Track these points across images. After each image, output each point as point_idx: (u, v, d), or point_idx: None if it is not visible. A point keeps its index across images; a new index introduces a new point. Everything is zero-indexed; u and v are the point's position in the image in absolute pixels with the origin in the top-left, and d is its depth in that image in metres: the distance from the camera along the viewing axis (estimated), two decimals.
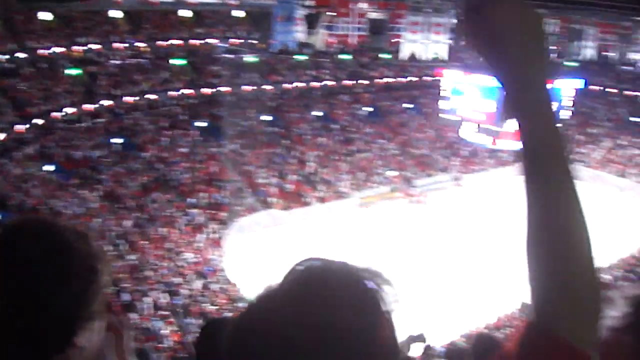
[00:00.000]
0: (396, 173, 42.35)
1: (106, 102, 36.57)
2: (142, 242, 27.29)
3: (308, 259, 0.95)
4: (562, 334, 0.88)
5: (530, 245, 0.96)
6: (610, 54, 51.71)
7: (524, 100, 1.03)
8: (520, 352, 0.93)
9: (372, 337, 0.85)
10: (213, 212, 32.49)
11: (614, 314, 1.00)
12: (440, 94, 34.45)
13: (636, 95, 51.27)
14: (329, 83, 46.45)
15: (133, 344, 1.55)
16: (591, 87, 48.35)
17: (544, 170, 1.00)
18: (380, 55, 48.14)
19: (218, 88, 40.05)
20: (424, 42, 38.31)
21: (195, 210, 32.01)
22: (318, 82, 45.85)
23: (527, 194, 1.01)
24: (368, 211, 38.07)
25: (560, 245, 0.94)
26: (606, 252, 31.68)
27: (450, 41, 42.36)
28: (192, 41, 40.72)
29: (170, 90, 38.92)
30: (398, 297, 0.95)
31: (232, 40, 43.10)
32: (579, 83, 33.96)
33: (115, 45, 39.02)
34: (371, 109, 47.61)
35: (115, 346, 1.42)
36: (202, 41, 41.37)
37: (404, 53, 38.63)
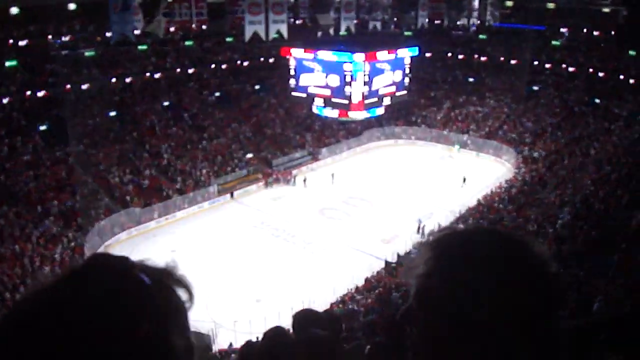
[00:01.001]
0: (252, 155, 42.78)
1: None
2: None
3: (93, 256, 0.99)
4: None
5: None
6: (442, 21, 54.97)
7: None
8: None
9: (130, 333, 0.86)
10: (67, 219, 31.11)
11: (420, 261, 1.07)
12: (289, 73, 35.35)
13: (468, 58, 55.03)
14: (175, 71, 45.53)
15: None
16: (427, 53, 51.39)
17: None
18: (224, 39, 47.87)
19: (57, 87, 37.95)
20: (264, 23, 38.54)
21: (47, 221, 30.44)
22: (163, 71, 44.78)
23: None
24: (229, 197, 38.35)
25: None
26: (458, 201, 34.41)
27: (290, 20, 42.85)
28: (23, 40, 38.13)
29: (4, 94, 36.31)
30: (187, 295, 1.03)
31: (67, 36, 40.93)
32: (415, 50, 36.22)
33: None
34: (220, 94, 47.38)
35: None
36: (35, 39, 38.87)
37: (247, 35, 38.63)
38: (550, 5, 41.52)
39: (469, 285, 0.99)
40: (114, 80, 41.52)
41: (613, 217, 22.07)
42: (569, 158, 38.19)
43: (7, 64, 36.33)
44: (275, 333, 1.42)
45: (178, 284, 1.03)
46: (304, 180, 40.57)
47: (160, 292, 0.97)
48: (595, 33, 49.19)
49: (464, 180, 38.73)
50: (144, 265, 1.01)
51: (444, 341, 1.01)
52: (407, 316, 1.10)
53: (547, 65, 49.81)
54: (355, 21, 42.30)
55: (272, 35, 39.78)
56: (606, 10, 41.09)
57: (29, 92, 37.06)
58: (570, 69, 48.16)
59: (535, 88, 49.53)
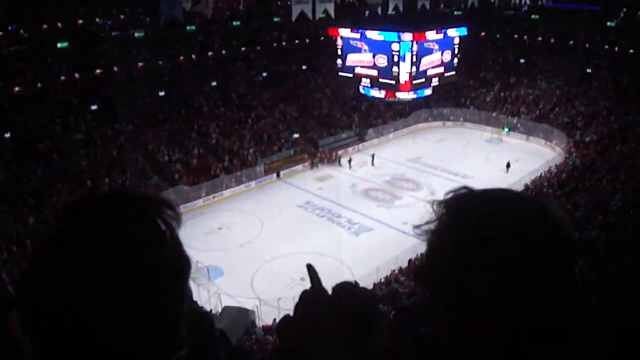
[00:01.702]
0: (298, 135, 42.91)
1: None
2: None
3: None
4: None
5: None
6: (493, 0, 53.65)
7: None
8: None
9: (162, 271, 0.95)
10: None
11: (433, 219, 1.07)
12: (336, 53, 35.20)
13: (520, 38, 53.82)
14: (222, 52, 45.84)
15: None
16: (478, 33, 50.43)
17: None
18: (271, 19, 47.87)
19: (107, 68, 38.72)
20: (311, 2, 38.33)
21: None
22: (211, 51, 45.16)
23: None
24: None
25: None
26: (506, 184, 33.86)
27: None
28: (74, 21, 38.91)
29: (57, 75, 37.24)
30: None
31: (117, 17, 41.58)
32: (464, 30, 35.57)
33: None
34: (267, 74, 47.54)
35: None
36: (85, 20, 39.63)
37: (294, 14, 38.53)
38: None
39: (481, 242, 0.97)
40: (162, 61, 42.06)
41: None
42: (622, 144, 37.05)
43: (59, 45, 37.13)
44: (312, 296, 1.41)
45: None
46: (349, 161, 40.51)
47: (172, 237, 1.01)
48: None
49: (508, 165, 37.95)
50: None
51: (455, 300, 1.00)
52: (421, 275, 1.09)
53: (602, 47, 48.28)
54: (402, 0, 41.62)
55: (319, 14, 39.59)
56: None
57: (80, 73, 37.92)
58: (626, 52, 46.54)
59: (589, 70, 48.09)
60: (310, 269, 1.41)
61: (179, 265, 1.00)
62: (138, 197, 1.02)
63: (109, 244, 0.91)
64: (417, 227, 1.09)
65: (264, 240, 29.42)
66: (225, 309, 19.66)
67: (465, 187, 1.09)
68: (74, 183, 31.95)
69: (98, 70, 38.55)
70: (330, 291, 1.35)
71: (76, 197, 1.01)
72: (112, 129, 36.82)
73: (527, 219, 1.00)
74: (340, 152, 42.14)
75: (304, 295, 1.36)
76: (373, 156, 41.32)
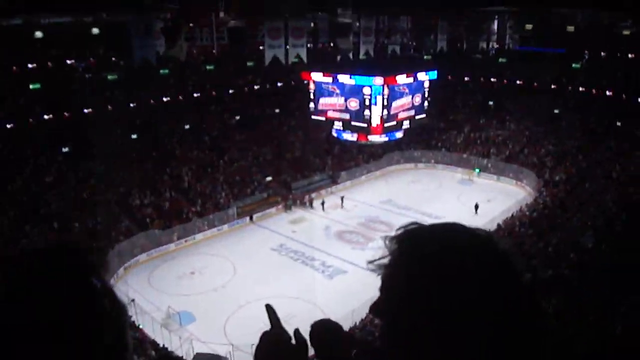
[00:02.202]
0: (271, 178, 42.91)
1: None
2: None
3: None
4: None
5: None
6: (462, 45, 54.99)
7: None
8: None
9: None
10: (88, 240, 31.33)
11: (386, 255, 1.11)
12: (309, 96, 35.55)
13: (488, 81, 54.97)
14: (196, 95, 46.01)
15: None
16: (447, 77, 51.46)
17: None
18: (244, 63, 48.32)
19: (80, 110, 38.55)
20: (284, 47, 38.88)
21: (71, 240, 30.66)
22: (184, 94, 45.28)
23: None
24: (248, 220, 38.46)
25: None
26: (478, 225, 34.07)
27: (309, 44, 43.28)
28: (47, 63, 38.86)
29: (29, 116, 36.97)
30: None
31: (90, 59, 41.66)
32: (434, 74, 36.27)
33: None
34: (241, 117, 47.73)
35: None
36: (58, 62, 39.62)
37: (267, 58, 38.95)
38: (571, 28, 41.37)
39: (430, 275, 0.99)
40: (135, 103, 42.03)
41: (637, 241, 21.75)
42: (590, 181, 37.76)
43: (31, 86, 36.98)
44: (271, 337, 1.41)
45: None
46: (322, 204, 40.56)
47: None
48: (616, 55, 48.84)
49: (477, 207, 38.04)
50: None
51: (407, 330, 1.02)
52: (376, 308, 1.11)
53: (568, 88, 49.55)
54: (373, 45, 42.46)
55: (292, 59, 40.09)
56: (626, 32, 40.86)
57: (52, 114, 37.69)
58: (591, 92, 47.83)
59: (556, 111, 49.23)
60: (269, 309, 1.44)
61: (116, 317, 1.01)
62: (66, 252, 1.01)
63: (38, 302, 0.89)
64: (370, 262, 1.13)
65: (237, 284, 29.08)
66: (197, 356, 19.13)
67: (415, 223, 1.12)
68: (44, 225, 31.42)
69: (70, 112, 38.31)
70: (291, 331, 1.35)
71: (7, 253, 1.00)
72: (83, 171, 36.42)
73: (473, 251, 1.02)
74: (313, 195, 42.17)
75: (264, 336, 1.37)
76: (342, 198, 41.50)
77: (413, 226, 1.12)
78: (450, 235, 1.07)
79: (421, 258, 1.03)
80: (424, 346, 0.99)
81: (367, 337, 20.78)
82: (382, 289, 1.11)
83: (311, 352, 1.59)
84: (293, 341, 1.47)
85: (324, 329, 3.00)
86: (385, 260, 1.10)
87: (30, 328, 0.86)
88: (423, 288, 1.00)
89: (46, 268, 0.96)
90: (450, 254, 1.01)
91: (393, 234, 1.12)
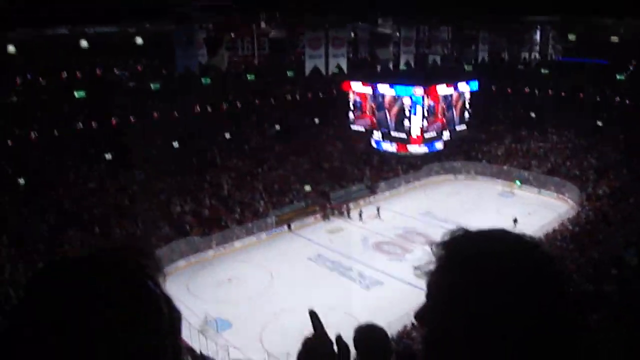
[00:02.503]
0: (310, 188, 43.01)
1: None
2: None
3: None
4: None
5: None
6: (503, 56, 54.36)
7: None
8: None
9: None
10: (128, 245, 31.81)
11: (432, 261, 1.10)
12: (349, 106, 35.60)
13: (530, 92, 54.22)
14: (237, 104, 46.49)
15: None
16: (488, 88, 50.96)
17: None
18: (285, 73, 48.61)
19: (123, 117, 39.34)
20: (324, 57, 38.99)
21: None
22: (225, 103, 45.79)
23: None
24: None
25: None
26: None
27: (349, 54, 43.33)
28: (92, 71, 39.78)
29: (73, 123, 37.86)
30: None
31: (134, 68, 42.47)
32: (475, 85, 35.94)
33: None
34: (280, 127, 48.05)
35: None
36: (103, 70, 40.52)
37: (307, 68, 39.12)
38: (615, 39, 40.50)
39: (476, 281, 0.99)
40: (177, 111, 42.69)
41: None
42: (635, 196, 36.85)
43: (76, 94, 37.84)
44: (314, 343, 1.41)
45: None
46: (360, 214, 40.44)
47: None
48: None
49: (515, 221, 36.37)
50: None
51: (452, 339, 1.02)
52: (421, 315, 1.11)
53: (612, 100, 48.53)
54: (413, 55, 42.23)
55: (332, 69, 40.19)
56: None
57: (95, 122, 38.52)
58: (636, 104, 46.73)
59: (599, 123, 48.26)
60: (313, 315, 1.42)
61: (171, 321, 1.00)
62: (119, 256, 1.00)
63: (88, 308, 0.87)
64: (417, 267, 1.13)
65: (274, 292, 29.17)
66: None
67: (462, 228, 1.12)
68: (85, 231, 32.09)
69: (113, 120, 39.12)
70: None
71: (47, 261, 0.99)
72: (125, 178, 37.13)
73: (518, 257, 1.02)
74: (351, 205, 42.10)
75: (307, 342, 1.37)
76: (378, 209, 41.34)
77: (460, 232, 1.11)
78: (496, 241, 1.07)
79: (467, 264, 1.03)
80: (468, 355, 0.99)
81: (404, 349, 20.58)
82: (427, 295, 1.11)
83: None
84: (335, 348, 1.47)
85: (369, 332, 3.05)
86: (432, 266, 1.10)
87: (93, 327, 0.86)
88: (465, 293, 1.00)
89: (109, 269, 0.95)
90: (494, 259, 1.02)
91: (440, 240, 1.12)
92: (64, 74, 38.29)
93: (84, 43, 36.08)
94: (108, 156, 37.97)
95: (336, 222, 40.39)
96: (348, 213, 41.14)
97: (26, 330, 0.85)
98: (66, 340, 0.84)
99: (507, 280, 0.98)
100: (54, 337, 0.84)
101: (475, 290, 0.99)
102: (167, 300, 1.01)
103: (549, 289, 1.00)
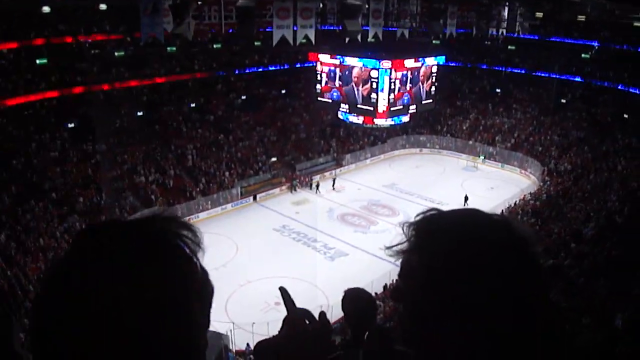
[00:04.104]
0: (276, 159, 42.94)
1: None
2: (20, 256, 26.10)
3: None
4: None
5: None
6: (471, 31, 54.49)
7: None
8: None
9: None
10: (93, 216, 31.50)
11: (404, 240, 1.10)
12: (316, 77, 35.34)
13: (496, 68, 54.62)
14: (202, 73, 45.86)
15: None
16: (455, 63, 51.22)
17: None
18: (252, 43, 47.98)
19: (86, 86, 38.47)
20: (292, 27, 38.58)
21: (72, 217, 30.88)
22: (191, 73, 45.14)
23: None
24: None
25: None
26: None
27: (317, 25, 42.94)
28: (54, 38, 38.68)
29: (35, 91, 36.90)
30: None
31: (97, 35, 41.46)
32: (442, 59, 36.05)
33: None
34: (246, 98, 47.64)
35: None
36: (66, 38, 39.45)
37: (275, 39, 38.67)
38: (581, 18, 40.93)
39: (449, 260, 1.01)
40: (142, 81, 41.92)
41: (638, 235, 21.73)
42: (595, 173, 37.68)
43: (38, 61, 36.86)
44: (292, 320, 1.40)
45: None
46: (317, 186, 40.87)
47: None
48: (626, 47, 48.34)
49: (466, 199, 36.79)
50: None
51: (426, 316, 1.04)
52: (397, 294, 1.13)
53: (576, 79, 49.24)
54: (383, 28, 42.08)
55: (300, 40, 39.84)
56: (637, 24, 40.42)
57: (58, 90, 37.61)
58: (599, 83, 47.53)
59: (563, 101, 49.00)
60: (284, 292, 1.41)
61: (207, 290, 1.03)
62: (160, 222, 0.99)
63: (130, 273, 0.87)
64: (388, 248, 1.14)
65: (239, 263, 29.25)
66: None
67: (434, 209, 1.12)
68: (48, 200, 31.59)
69: (76, 88, 38.23)
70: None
71: (89, 224, 0.99)
72: (88, 148, 36.50)
73: (493, 236, 1.04)
74: (316, 177, 42.21)
75: (286, 320, 1.37)
76: (334, 181, 41.82)
77: (432, 212, 1.12)
78: (468, 222, 1.09)
79: (440, 243, 1.04)
80: (442, 331, 1.01)
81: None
82: (401, 275, 1.12)
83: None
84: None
85: (356, 296, 3.18)
86: (404, 246, 1.10)
87: (136, 295, 0.85)
88: (441, 275, 1.01)
89: (155, 238, 0.95)
90: (468, 239, 1.03)
91: (412, 220, 1.12)
92: (25, 41, 37.20)
93: (45, 9, 35.13)
94: (71, 125, 37.23)
95: (302, 193, 40.48)
96: (310, 185, 41.18)
97: (68, 292, 0.85)
98: (111, 305, 0.83)
99: (478, 260, 1.00)
100: (95, 303, 0.83)
101: (447, 271, 1.00)
102: (205, 273, 1.04)
103: (525, 267, 1.02)
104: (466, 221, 1.09)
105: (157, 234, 0.96)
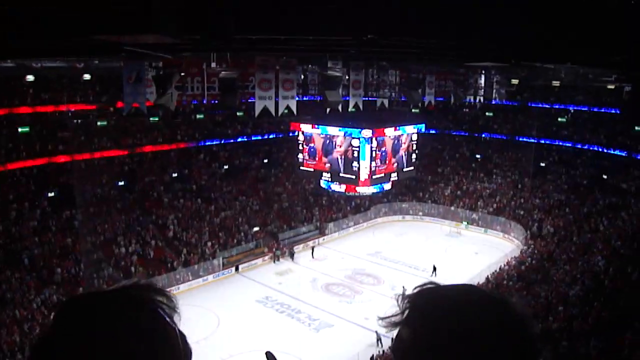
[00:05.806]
0: (258, 228, 42.63)
1: None
2: None
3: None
4: None
5: None
6: (449, 99, 55.66)
7: None
8: None
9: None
10: (70, 288, 30.74)
11: (398, 313, 1.09)
12: (298, 147, 35.56)
13: (475, 134, 55.53)
14: (184, 143, 45.99)
15: None
16: (434, 130, 51.99)
17: None
18: (234, 113, 48.46)
19: (68, 155, 38.31)
20: (274, 98, 39.07)
21: (49, 289, 30.13)
22: (173, 143, 45.23)
23: None
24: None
25: None
26: (466, 278, 33.82)
27: (298, 97, 43.57)
28: (37, 107, 38.73)
29: (16, 160, 36.59)
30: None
31: (80, 105, 41.59)
32: (422, 127, 36.56)
33: None
34: (229, 167, 47.70)
35: None
36: (48, 107, 39.51)
37: (257, 109, 39.00)
38: (556, 83, 42.04)
39: (441, 338, 0.98)
40: (124, 150, 41.88)
41: (624, 295, 21.67)
42: (578, 234, 37.84)
43: (20, 130, 36.81)
44: None
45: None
46: (292, 255, 40.74)
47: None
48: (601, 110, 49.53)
49: (434, 269, 36.17)
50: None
51: None
52: None
53: (554, 142, 50.17)
54: (363, 98, 42.86)
55: (282, 110, 40.26)
56: (611, 87, 41.60)
57: (39, 159, 37.37)
58: (577, 146, 48.50)
59: (543, 164, 49.72)
60: (270, 357, 1.49)
61: (187, 351, 1.08)
62: (137, 291, 1.06)
63: (107, 342, 0.91)
64: (382, 318, 1.11)
65: (221, 336, 28.48)
66: None
67: (431, 283, 1.10)
68: (25, 271, 30.86)
69: (58, 157, 38.02)
70: None
71: (70, 297, 1.02)
72: (67, 217, 35.99)
73: (489, 316, 1.01)
74: (298, 247, 41.99)
75: None
76: (313, 249, 41.83)
77: (428, 287, 1.10)
78: (464, 300, 1.06)
79: (433, 321, 1.02)
80: None
81: None
82: (393, 349, 1.08)
83: None
84: None
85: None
86: (397, 319, 1.08)
87: None
88: (433, 352, 0.98)
89: (131, 305, 1.00)
90: (465, 317, 1.00)
91: (408, 292, 1.11)
92: (7, 109, 37.20)
93: (29, 77, 35.33)
94: (51, 194, 36.83)
95: (285, 263, 40.01)
96: (292, 255, 40.84)
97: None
98: None
99: (473, 340, 0.97)
100: None
101: (440, 348, 0.98)
102: (182, 336, 1.09)
103: (519, 351, 0.99)
104: (462, 299, 1.07)
105: (135, 303, 1.02)
